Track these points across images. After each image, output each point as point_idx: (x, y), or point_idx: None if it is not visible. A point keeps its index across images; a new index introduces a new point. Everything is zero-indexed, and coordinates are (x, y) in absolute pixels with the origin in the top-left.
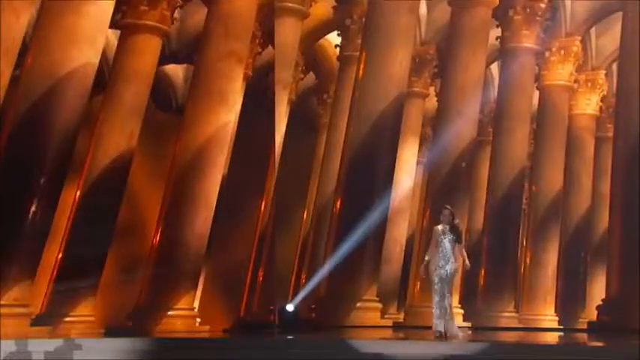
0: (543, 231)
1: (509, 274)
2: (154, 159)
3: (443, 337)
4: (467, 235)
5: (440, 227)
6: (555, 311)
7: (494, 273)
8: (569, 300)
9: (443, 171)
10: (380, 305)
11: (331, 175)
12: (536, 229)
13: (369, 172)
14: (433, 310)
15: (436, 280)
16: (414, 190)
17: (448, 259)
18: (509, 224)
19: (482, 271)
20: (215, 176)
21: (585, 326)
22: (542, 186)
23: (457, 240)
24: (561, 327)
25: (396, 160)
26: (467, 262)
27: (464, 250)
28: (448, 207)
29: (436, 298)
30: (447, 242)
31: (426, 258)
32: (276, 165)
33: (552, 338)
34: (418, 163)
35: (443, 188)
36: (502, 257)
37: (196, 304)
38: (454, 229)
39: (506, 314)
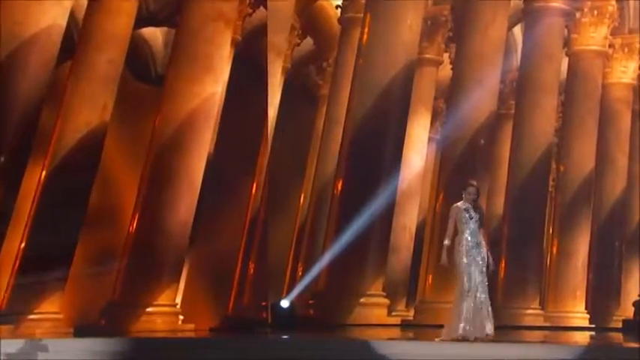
0: (572, 217)
1: (534, 265)
2: (130, 135)
3: (470, 341)
4: (486, 222)
5: (461, 205)
6: (586, 308)
7: (516, 264)
8: (602, 295)
9: (458, 149)
10: (387, 301)
11: (331, 153)
12: (564, 214)
13: (375, 150)
14: (456, 309)
15: (465, 270)
16: (426, 171)
17: (478, 242)
18: (533, 209)
19: (503, 262)
20: (200, 154)
21: (620, 325)
22: (571, 165)
23: (482, 221)
24: (593, 326)
25: (405, 136)
26: (490, 259)
27: (483, 239)
28: (474, 183)
29: (464, 293)
30: (474, 223)
31: (446, 242)
32: (269, 142)
33: (583, 338)
34: (430, 140)
35: (458, 168)
36: (525, 247)
37: (179, 300)
38: (478, 209)
39: (530, 311)
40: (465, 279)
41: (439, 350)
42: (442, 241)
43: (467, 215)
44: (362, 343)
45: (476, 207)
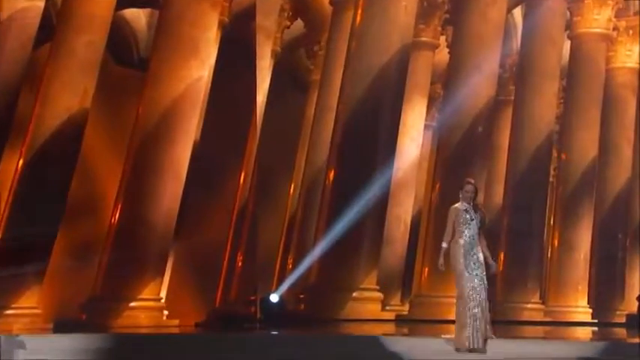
0: (574, 208)
1: (534, 258)
2: (111, 122)
3: (475, 350)
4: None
5: (460, 206)
6: (588, 302)
7: (515, 257)
8: (605, 289)
9: (456, 137)
10: (380, 295)
11: (323, 141)
12: (565, 205)
13: (368, 138)
14: (460, 317)
15: (463, 273)
16: (421, 160)
17: (476, 244)
18: (533, 199)
19: (502, 255)
20: (185, 142)
21: (623, 320)
22: (573, 154)
23: (482, 225)
24: (595, 321)
25: (400, 123)
26: (490, 260)
27: (483, 237)
28: (471, 181)
29: (465, 298)
30: (474, 225)
31: (444, 245)
32: (258, 129)
33: (584, 334)
34: (426, 127)
35: (455, 157)
36: (525, 239)
37: (163, 294)
38: (478, 210)
39: (530, 305)
40: (464, 283)
41: (435, 346)
42: (437, 234)
43: (467, 216)
44: (354, 339)
45: (475, 207)
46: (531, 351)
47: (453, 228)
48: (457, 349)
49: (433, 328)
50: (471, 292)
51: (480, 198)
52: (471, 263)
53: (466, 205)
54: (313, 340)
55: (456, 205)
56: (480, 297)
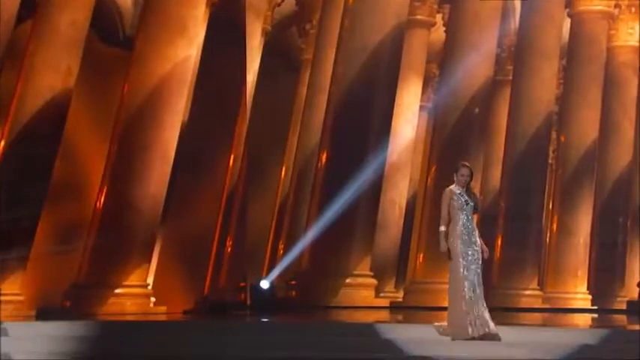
0: (574, 191)
1: (532, 243)
2: (96, 102)
3: (488, 338)
4: (481, 196)
5: (454, 189)
6: (587, 288)
7: (513, 242)
8: (605, 275)
9: (452, 118)
10: (374, 281)
11: (315, 123)
12: (565, 188)
13: (362, 119)
14: (456, 304)
15: (461, 259)
16: (416, 142)
17: (473, 229)
18: (532, 182)
19: (499, 240)
20: (172, 124)
21: (624, 306)
22: (572, 136)
23: (477, 208)
24: (595, 307)
25: (395, 104)
26: (483, 246)
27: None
28: (467, 164)
29: (461, 284)
30: (469, 209)
31: (442, 228)
32: (248, 110)
33: (584, 320)
34: (421, 108)
35: (452, 139)
36: (523, 223)
37: (150, 281)
38: (472, 195)
39: (528, 292)
40: (462, 269)
41: (430, 334)
42: (433, 218)
43: (462, 200)
44: (347, 326)
45: (469, 191)
46: (529, 338)
47: (448, 211)
48: (453, 339)
49: (429, 316)
50: (466, 278)
51: (477, 186)
52: (468, 249)
53: (460, 188)
54: (305, 328)
55: (451, 187)
56: (475, 282)
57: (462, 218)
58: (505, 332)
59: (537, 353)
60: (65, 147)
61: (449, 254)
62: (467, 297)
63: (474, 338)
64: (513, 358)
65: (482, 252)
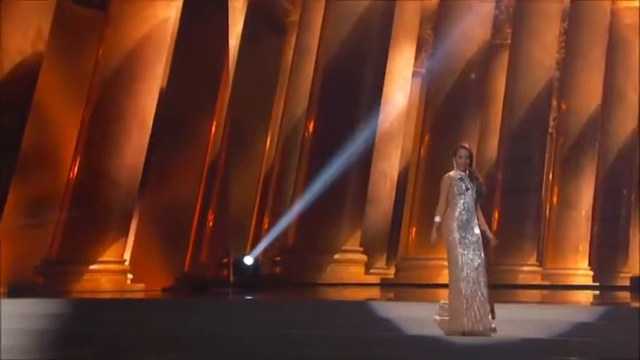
0: (575, 161)
1: (531, 216)
2: (69, 67)
3: (470, 334)
4: (476, 167)
5: (454, 175)
6: (589, 264)
7: (511, 216)
8: (607, 250)
9: (447, 84)
10: (364, 257)
11: (302, 89)
12: (566, 159)
13: (351, 85)
14: (453, 296)
15: (457, 249)
16: (409, 110)
17: (472, 217)
18: (531, 153)
19: (496, 213)
20: (150, 90)
21: (627, 283)
22: (574, 103)
23: (479, 196)
24: (597, 284)
25: (386, 70)
26: (489, 233)
27: (480, 210)
28: (465, 145)
29: (458, 276)
30: (469, 195)
31: (436, 219)
32: (231, 76)
33: (586, 298)
34: (414, 74)
35: (446, 107)
36: (521, 195)
37: (127, 256)
38: (474, 180)
39: (527, 268)
40: (459, 260)
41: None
42: (426, 191)
43: (462, 185)
44: (335, 304)
45: (472, 176)
46: (527, 316)
47: (446, 199)
48: (447, 334)
49: (421, 293)
50: (464, 270)
51: (473, 144)
52: (466, 238)
53: (461, 172)
54: (290, 306)
55: (450, 173)
56: (475, 274)
57: (460, 203)
58: (502, 310)
59: (536, 332)
60: (35, 114)
61: (435, 241)
62: (464, 292)
63: (464, 333)
64: (511, 337)
65: (489, 239)
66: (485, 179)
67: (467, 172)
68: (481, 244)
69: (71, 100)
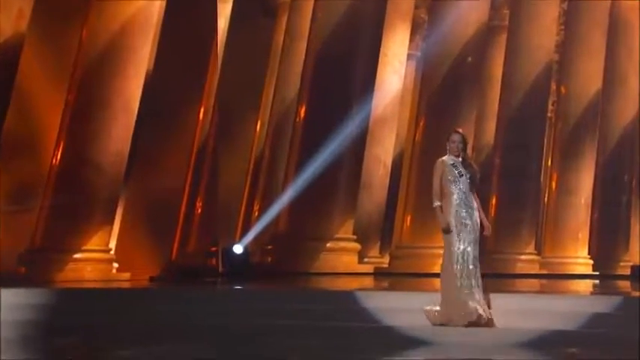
0: (575, 147)
1: (529, 203)
2: (52, 49)
3: (483, 323)
4: (473, 153)
5: (447, 159)
6: (589, 253)
7: (508, 202)
8: (608, 238)
9: (442, 68)
10: (357, 246)
11: (293, 73)
12: (565, 144)
13: (344, 69)
14: (447, 286)
15: (453, 238)
16: (404, 94)
17: (468, 205)
18: (529, 138)
19: (493, 200)
20: (136, 73)
21: (628, 272)
22: (574, 87)
23: (474, 181)
24: (597, 273)
25: (380, 53)
26: (486, 222)
27: (476, 196)
28: (459, 130)
29: (453, 266)
30: (464, 182)
31: (436, 203)
32: (219, 59)
33: (585, 287)
34: (409, 57)
35: (442, 91)
36: (519, 181)
37: (113, 245)
38: (468, 166)
39: (525, 257)
40: (454, 249)
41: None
42: (421, 177)
43: (455, 172)
44: (327, 294)
45: (465, 162)
46: (525, 306)
47: (440, 185)
48: (434, 324)
49: (416, 283)
50: (459, 262)
51: (470, 142)
52: (463, 227)
53: (454, 158)
54: (281, 296)
55: (443, 158)
56: (471, 267)
57: (455, 192)
58: (499, 300)
59: (534, 322)
60: (17, 98)
61: (449, 228)
62: (458, 282)
63: (465, 325)
64: (508, 328)
65: (483, 228)
66: (483, 165)
67: (460, 157)
68: (477, 233)
69: (54, 83)
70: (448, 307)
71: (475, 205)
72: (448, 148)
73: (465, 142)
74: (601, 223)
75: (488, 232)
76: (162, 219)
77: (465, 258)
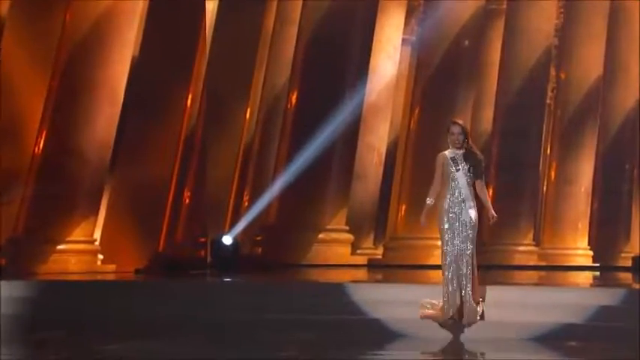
0: (575, 135)
1: (527, 193)
2: (34, 33)
3: (456, 322)
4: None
5: (447, 154)
6: (589, 244)
7: (506, 192)
8: (608, 228)
9: (438, 53)
10: (350, 237)
11: (284, 58)
12: (565, 131)
13: (336, 54)
14: (443, 282)
15: (445, 235)
16: (398, 80)
17: (463, 201)
18: (528, 125)
19: (490, 190)
20: (122, 58)
21: (629, 263)
22: (574, 73)
23: (477, 173)
24: (597, 264)
25: (374, 38)
26: (492, 211)
27: (485, 189)
28: (459, 121)
29: (446, 263)
30: (460, 177)
31: (428, 201)
32: (208, 44)
33: (584, 279)
34: (404, 42)
35: (438, 76)
36: (518, 171)
37: (97, 236)
38: (470, 157)
39: (522, 248)
40: (446, 247)
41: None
42: (416, 166)
43: (453, 168)
44: (319, 287)
45: (468, 154)
46: (522, 299)
47: (441, 180)
48: (441, 325)
49: (410, 275)
50: (449, 258)
51: (466, 119)
52: (456, 225)
53: (455, 151)
54: (272, 289)
55: (445, 152)
56: (462, 264)
57: (451, 188)
58: (497, 292)
59: (531, 315)
60: None
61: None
62: (446, 281)
63: (454, 321)
64: (504, 321)
65: (490, 217)
66: (481, 153)
67: (463, 150)
68: (469, 230)
69: (36, 69)
70: (443, 304)
71: (471, 200)
72: (449, 140)
73: (465, 132)
74: (601, 213)
75: (493, 221)
76: (148, 209)
77: (456, 256)
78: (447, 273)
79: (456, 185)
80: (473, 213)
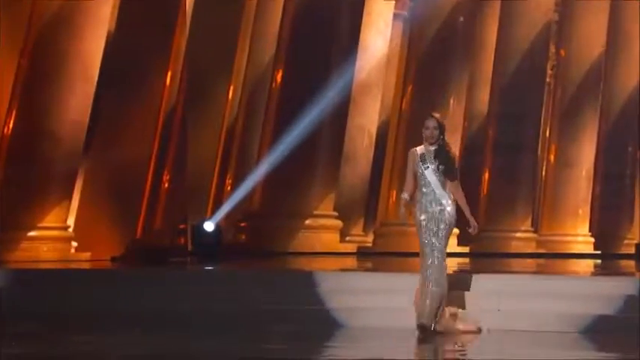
0: (575, 116)
1: (525, 177)
2: (3, 8)
3: (427, 332)
4: (465, 123)
5: (419, 150)
6: (590, 230)
7: (502, 176)
8: (610, 214)
9: (431, 29)
10: (339, 223)
11: (269, 34)
12: (565, 112)
13: (324, 30)
14: (419, 282)
15: (421, 233)
16: (390, 58)
17: (436, 199)
18: (525, 106)
19: (486, 174)
20: (96, 34)
21: (632, 250)
22: (574, 50)
23: (448, 173)
24: (598, 252)
25: (364, 12)
26: (472, 219)
27: (461, 191)
28: (435, 115)
29: (423, 263)
30: (429, 175)
31: (404, 196)
32: (188, 20)
33: (585, 267)
34: (395, 17)
35: (431, 54)
36: (515, 153)
37: (71, 222)
38: (441, 155)
39: (520, 234)
40: (423, 246)
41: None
42: (408, 149)
43: (421, 165)
44: (306, 276)
45: (439, 151)
46: (520, 288)
47: (411, 174)
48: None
49: (401, 263)
50: (431, 256)
51: (457, 103)
52: (430, 222)
53: (428, 147)
54: (256, 278)
55: (416, 147)
56: (426, 264)
57: (421, 186)
58: (493, 281)
59: (528, 304)
60: None
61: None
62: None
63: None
64: (500, 310)
65: (471, 225)
66: (475, 136)
67: (436, 146)
68: (441, 229)
69: (6, 46)
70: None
71: (447, 197)
72: (423, 135)
73: (441, 127)
74: (603, 197)
75: (474, 230)
76: (125, 194)
77: (432, 252)
78: (428, 274)
79: (428, 183)
80: (450, 207)
